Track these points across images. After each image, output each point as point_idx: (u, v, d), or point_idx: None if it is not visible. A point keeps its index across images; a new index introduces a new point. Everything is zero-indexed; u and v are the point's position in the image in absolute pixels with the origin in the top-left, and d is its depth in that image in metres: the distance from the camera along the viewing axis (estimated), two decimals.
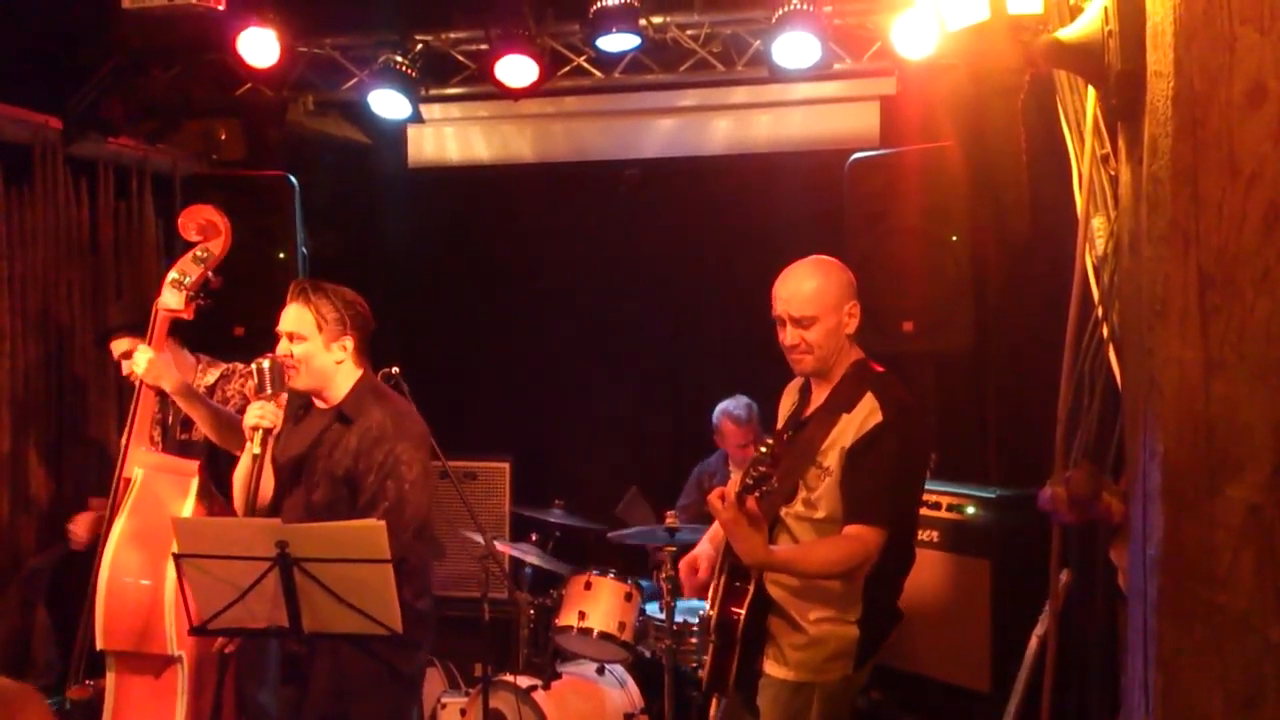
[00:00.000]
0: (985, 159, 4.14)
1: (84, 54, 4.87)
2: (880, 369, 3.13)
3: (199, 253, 3.68)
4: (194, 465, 3.64)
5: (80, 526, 4.05)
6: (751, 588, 3.05)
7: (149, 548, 3.44)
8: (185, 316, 3.72)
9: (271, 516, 3.03)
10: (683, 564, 3.41)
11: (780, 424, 3.27)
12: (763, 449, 2.84)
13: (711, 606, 3.20)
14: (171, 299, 3.66)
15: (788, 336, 3.06)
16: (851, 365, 3.09)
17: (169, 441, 3.90)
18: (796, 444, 3.08)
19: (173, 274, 3.67)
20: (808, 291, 3.03)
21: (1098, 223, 2.39)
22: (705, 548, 3.39)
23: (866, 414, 2.96)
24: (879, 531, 2.90)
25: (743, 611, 3.03)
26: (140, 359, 3.60)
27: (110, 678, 3.48)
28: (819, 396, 3.11)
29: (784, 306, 3.05)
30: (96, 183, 5.04)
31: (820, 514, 2.99)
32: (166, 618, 3.41)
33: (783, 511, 3.03)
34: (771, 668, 3.06)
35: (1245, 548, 1.70)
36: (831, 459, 2.98)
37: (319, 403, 3.21)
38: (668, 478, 5.54)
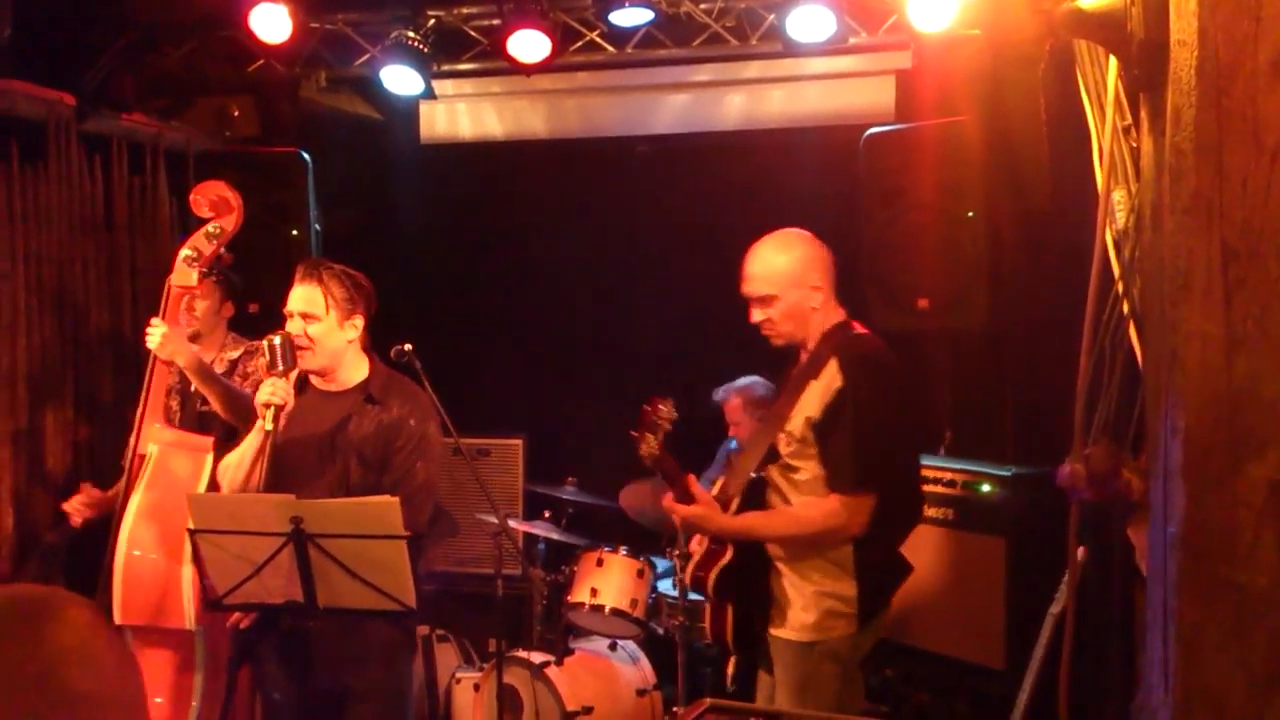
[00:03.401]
0: (1004, 131, 4.08)
1: (97, 30, 4.84)
2: (860, 330, 3.18)
3: (211, 229, 3.69)
4: (209, 440, 3.66)
5: (72, 508, 3.99)
6: (729, 551, 3.22)
7: (165, 523, 3.45)
8: (197, 293, 3.76)
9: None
10: (693, 543, 3.54)
11: None
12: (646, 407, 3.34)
13: (685, 572, 3.42)
14: (184, 275, 3.66)
15: (754, 315, 3.19)
16: (827, 331, 3.15)
17: (188, 413, 3.91)
18: (772, 410, 3.25)
19: (185, 250, 3.68)
20: (764, 271, 3.14)
21: (1118, 196, 2.36)
22: None
23: (829, 381, 3.05)
24: (859, 499, 3.01)
25: (709, 573, 3.22)
26: (154, 334, 3.61)
27: None
28: (799, 364, 3.22)
29: (747, 287, 3.18)
30: (110, 159, 5.02)
31: (799, 476, 3.12)
32: (184, 593, 3.42)
33: (771, 471, 3.19)
34: (775, 630, 3.18)
35: (1267, 526, 1.68)
36: (796, 425, 3.09)
37: (319, 383, 3.21)
38: (679, 455, 5.50)
